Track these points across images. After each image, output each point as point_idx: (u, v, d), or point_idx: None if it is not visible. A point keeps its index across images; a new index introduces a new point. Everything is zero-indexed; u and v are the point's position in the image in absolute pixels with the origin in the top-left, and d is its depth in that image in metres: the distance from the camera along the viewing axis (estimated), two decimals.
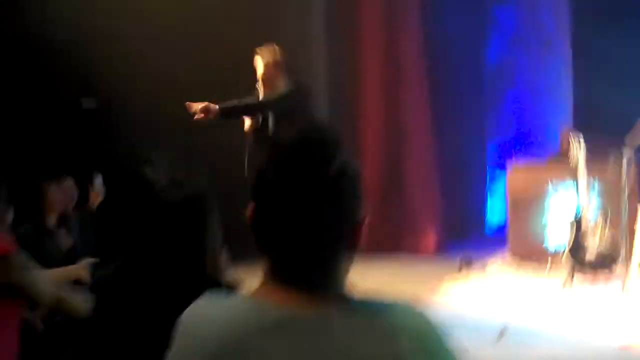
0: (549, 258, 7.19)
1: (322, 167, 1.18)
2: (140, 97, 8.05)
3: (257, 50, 5.78)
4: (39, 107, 7.59)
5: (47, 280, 2.88)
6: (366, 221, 1.23)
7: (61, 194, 4.84)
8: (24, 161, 6.43)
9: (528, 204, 7.87)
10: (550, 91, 9.79)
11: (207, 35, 7.97)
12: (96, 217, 4.97)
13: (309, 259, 1.19)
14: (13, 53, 7.45)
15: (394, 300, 1.25)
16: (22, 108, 7.48)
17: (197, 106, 5.57)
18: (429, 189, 9.36)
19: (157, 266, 2.14)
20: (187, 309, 1.28)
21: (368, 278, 6.64)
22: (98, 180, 5.13)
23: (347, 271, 1.25)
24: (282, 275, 1.21)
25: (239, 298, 1.26)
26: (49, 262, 3.70)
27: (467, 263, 7.60)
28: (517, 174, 8.08)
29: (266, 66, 5.69)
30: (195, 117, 5.61)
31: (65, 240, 4.65)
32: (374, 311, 1.19)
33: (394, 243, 9.22)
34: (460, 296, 6.55)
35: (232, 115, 5.82)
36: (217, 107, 5.60)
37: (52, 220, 4.58)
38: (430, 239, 9.17)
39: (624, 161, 6.28)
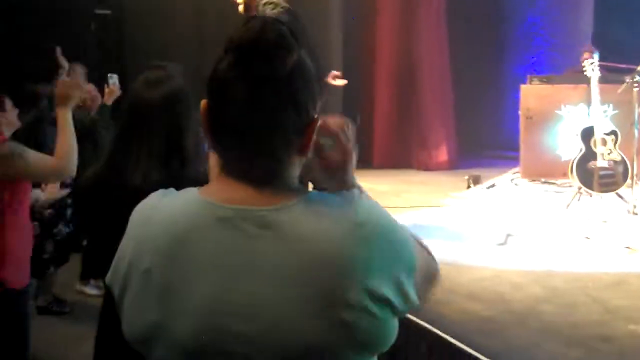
0: (560, 174, 7.24)
1: (276, 64, 1.16)
2: (156, 8, 8.04)
3: None
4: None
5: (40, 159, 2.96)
6: (317, 122, 1.22)
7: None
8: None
9: (541, 121, 7.83)
10: (570, 15, 9.65)
11: None
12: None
13: (259, 156, 1.19)
14: None
15: (350, 194, 1.24)
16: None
17: None
18: (443, 105, 9.36)
19: (136, 165, 2.15)
20: (139, 204, 1.30)
21: (377, 189, 6.79)
22: (113, 79, 5.24)
23: (297, 170, 1.25)
24: (232, 171, 1.22)
25: (189, 194, 1.25)
26: None
27: (475, 180, 7.63)
28: (531, 91, 7.99)
29: None
30: None
31: None
32: (326, 208, 1.18)
33: (407, 159, 9.29)
34: (465, 209, 6.62)
35: None
36: None
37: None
38: (443, 155, 9.22)
39: (637, 87, 6.22)
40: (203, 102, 1.23)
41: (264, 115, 1.17)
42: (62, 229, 4.82)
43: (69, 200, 4.72)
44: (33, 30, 7.15)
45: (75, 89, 2.93)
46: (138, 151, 2.15)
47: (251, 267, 1.15)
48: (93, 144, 4.91)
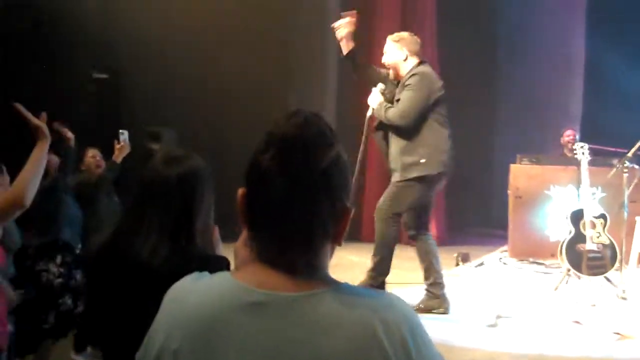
0: (548, 255, 7.29)
1: (317, 159, 1.21)
2: (152, 72, 8.14)
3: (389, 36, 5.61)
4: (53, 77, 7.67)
5: None
6: (352, 212, 1.27)
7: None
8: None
9: (530, 201, 7.91)
10: (559, 96, 9.87)
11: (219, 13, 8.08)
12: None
13: (295, 244, 1.23)
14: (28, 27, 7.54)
15: (379, 291, 1.27)
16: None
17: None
18: None
19: (145, 239, 2.16)
20: (173, 285, 1.33)
21: (365, 264, 6.76)
22: (124, 136, 5.21)
23: (330, 258, 1.29)
24: (267, 258, 1.24)
25: (223, 277, 1.29)
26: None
27: (464, 258, 7.65)
28: (520, 171, 8.09)
29: (389, 54, 5.49)
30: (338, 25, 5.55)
31: None
32: (355, 298, 1.21)
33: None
34: (454, 287, 6.60)
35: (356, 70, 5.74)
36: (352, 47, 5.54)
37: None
38: (432, 231, 9.21)
39: (626, 173, 6.33)
40: (240, 191, 1.27)
41: (303, 207, 1.21)
42: (67, 300, 4.68)
43: (75, 271, 4.61)
44: (32, 95, 7.20)
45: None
46: (149, 226, 2.17)
47: (277, 353, 1.17)
48: (92, 210, 4.87)
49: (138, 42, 7.92)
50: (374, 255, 5.59)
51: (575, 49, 10.06)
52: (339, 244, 1.28)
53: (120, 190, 5.38)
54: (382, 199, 5.58)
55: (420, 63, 5.43)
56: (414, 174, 5.33)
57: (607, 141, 7.42)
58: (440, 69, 9.48)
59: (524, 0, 10.08)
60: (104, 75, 8.22)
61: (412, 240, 5.75)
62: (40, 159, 2.73)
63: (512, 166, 8.16)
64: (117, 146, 5.19)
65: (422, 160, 5.30)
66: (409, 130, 5.32)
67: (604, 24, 9.76)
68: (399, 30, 9.30)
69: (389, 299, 1.24)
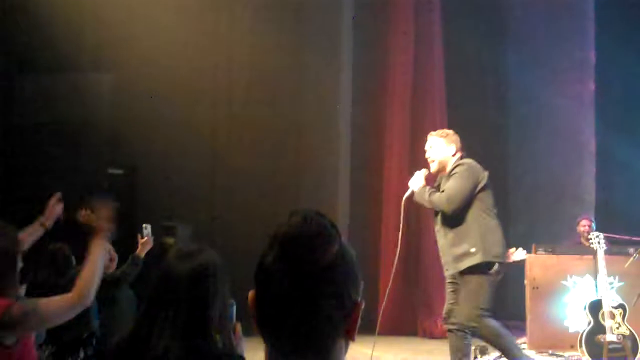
0: (568, 346, 7.13)
1: (318, 256, 1.21)
2: (168, 167, 8.24)
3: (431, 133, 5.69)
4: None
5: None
6: (362, 306, 1.26)
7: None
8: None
9: (547, 291, 7.79)
10: (571, 183, 9.86)
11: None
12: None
13: (306, 345, 1.22)
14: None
15: None
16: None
17: None
18: None
19: (159, 337, 2.14)
20: None
21: (382, 358, 6.63)
22: (147, 230, 5.16)
23: (344, 354, 1.28)
24: (280, 358, 1.24)
25: None
26: None
27: (482, 350, 7.48)
28: (536, 261, 8.00)
29: (432, 150, 5.56)
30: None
31: None
32: None
33: (412, 326, 9.16)
34: None
35: None
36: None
37: None
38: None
39: None
40: (250, 294, 1.27)
41: (309, 306, 1.21)
42: None
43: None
44: (46, 190, 7.28)
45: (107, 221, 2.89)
46: (163, 324, 2.15)
47: None
48: (111, 308, 4.80)
49: (152, 137, 8.05)
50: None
51: (585, 137, 10.10)
52: (352, 340, 1.26)
53: (134, 284, 5.33)
54: (458, 309, 5.44)
55: (462, 157, 5.52)
56: (466, 264, 5.27)
57: (623, 227, 7.36)
58: None
59: (533, 91, 10.20)
60: (119, 171, 8.32)
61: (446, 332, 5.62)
62: (99, 256, 2.79)
63: (528, 256, 8.07)
64: (141, 241, 5.15)
65: (473, 250, 5.25)
66: (455, 221, 5.32)
67: (612, 112, 9.84)
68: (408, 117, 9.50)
69: None
